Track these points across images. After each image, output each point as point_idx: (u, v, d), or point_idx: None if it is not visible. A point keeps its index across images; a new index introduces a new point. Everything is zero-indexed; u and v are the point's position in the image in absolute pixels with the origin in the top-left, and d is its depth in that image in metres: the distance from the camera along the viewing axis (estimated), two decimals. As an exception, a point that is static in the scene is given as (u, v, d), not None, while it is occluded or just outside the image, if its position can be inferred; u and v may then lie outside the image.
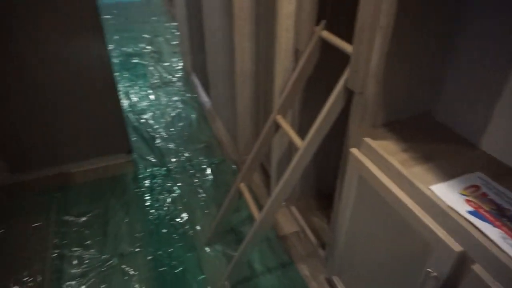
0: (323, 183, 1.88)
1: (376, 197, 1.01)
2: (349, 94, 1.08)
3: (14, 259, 1.63)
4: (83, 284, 1.55)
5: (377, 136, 1.06)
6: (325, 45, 1.23)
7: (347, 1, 1.26)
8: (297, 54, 1.37)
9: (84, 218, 1.86)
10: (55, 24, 1.66)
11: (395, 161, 0.94)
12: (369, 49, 0.93)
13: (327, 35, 1.18)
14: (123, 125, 2.06)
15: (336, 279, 1.41)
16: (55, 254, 1.67)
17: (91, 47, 1.76)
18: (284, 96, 1.35)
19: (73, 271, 1.61)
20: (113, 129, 2.06)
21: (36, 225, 1.79)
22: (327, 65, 1.30)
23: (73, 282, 1.56)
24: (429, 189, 0.86)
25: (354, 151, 1.09)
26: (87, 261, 1.65)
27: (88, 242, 1.74)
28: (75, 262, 1.64)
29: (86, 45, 1.75)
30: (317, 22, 1.24)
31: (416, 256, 0.89)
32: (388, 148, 1.02)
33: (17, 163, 1.97)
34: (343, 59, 1.07)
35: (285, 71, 1.40)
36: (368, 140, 1.03)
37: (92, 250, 1.70)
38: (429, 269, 0.83)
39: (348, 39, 1.06)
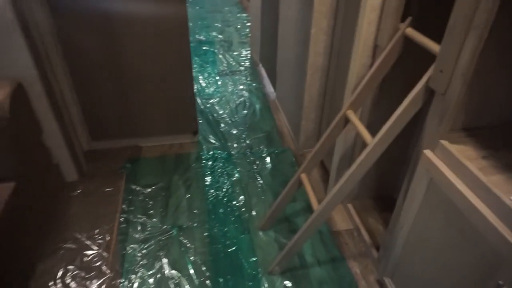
0: (382, 184, 1.84)
1: (446, 202, 0.98)
2: (429, 94, 1.05)
3: (88, 217, 1.80)
4: (144, 249, 1.67)
5: (455, 140, 1.02)
6: (407, 42, 1.20)
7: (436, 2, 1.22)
8: (375, 50, 1.35)
9: (149, 189, 1.99)
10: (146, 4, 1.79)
11: (474, 167, 0.90)
12: (459, 49, 0.89)
13: (412, 32, 1.15)
14: (193, 107, 2.18)
15: (388, 281, 1.39)
16: (122, 218, 1.82)
17: (175, 31, 1.88)
18: (357, 92, 1.34)
19: (136, 235, 1.74)
20: (184, 110, 2.18)
21: (108, 190, 1.96)
22: (405, 62, 1.27)
23: (136, 246, 1.69)
24: (510, 199, 0.81)
25: (428, 152, 1.06)
26: (149, 228, 1.77)
27: (151, 211, 1.87)
28: (138, 228, 1.78)
29: (170, 29, 1.87)
30: (403, 19, 1.21)
31: (486, 267, 0.86)
32: (467, 153, 0.98)
33: (97, 132, 2.16)
34: (423, 57, 1.04)
35: (361, 66, 1.39)
36: (445, 143, 1.00)
37: (154, 219, 1.82)
38: (500, 282, 0.79)
39: (433, 36, 1.03)
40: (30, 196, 1.53)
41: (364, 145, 1.25)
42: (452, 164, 0.97)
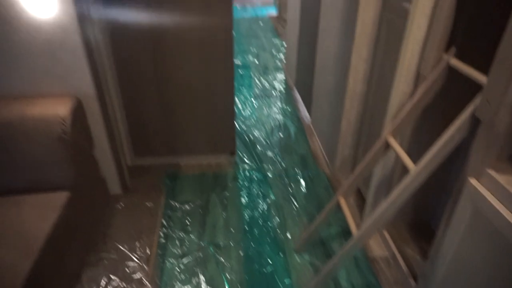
0: (419, 210, 1.82)
1: (493, 233, 0.98)
2: (475, 123, 1.07)
3: (130, 229, 1.88)
4: (182, 264, 1.72)
5: (502, 169, 1.02)
6: (451, 71, 1.23)
7: (480, 29, 1.24)
8: (418, 78, 1.38)
9: (187, 206, 2.06)
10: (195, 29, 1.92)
11: (523, 198, 0.90)
12: (508, 80, 0.92)
13: (456, 63, 1.18)
14: (232, 128, 2.26)
15: (428, 313, 1.36)
16: (162, 233, 1.88)
17: (220, 52, 1.99)
18: (398, 119, 1.36)
19: (175, 250, 1.79)
20: (223, 131, 2.27)
21: (149, 205, 2.04)
22: (448, 91, 1.29)
23: (174, 260, 1.74)
24: None
25: (473, 181, 1.06)
26: (187, 244, 1.83)
27: (189, 228, 1.92)
28: (177, 243, 1.83)
29: (216, 51, 1.98)
30: (447, 48, 1.24)
31: (538, 300, 0.84)
32: (515, 184, 0.98)
33: (141, 148, 2.28)
34: (466, 86, 1.06)
35: (403, 94, 1.42)
36: (491, 172, 1.00)
37: (192, 236, 1.88)
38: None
39: (477, 66, 1.05)
40: (80, 206, 1.63)
41: (404, 171, 1.27)
42: (500, 194, 0.97)
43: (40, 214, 1.39)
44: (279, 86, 3.62)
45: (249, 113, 3.07)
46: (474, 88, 1.04)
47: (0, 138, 1.46)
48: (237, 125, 2.86)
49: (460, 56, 1.21)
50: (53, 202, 1.46)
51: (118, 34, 1.87)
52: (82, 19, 1.54)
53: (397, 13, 1.54)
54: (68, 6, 1.46)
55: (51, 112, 1.49)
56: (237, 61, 4.22)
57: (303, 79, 3.11)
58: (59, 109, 1.50)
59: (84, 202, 1.69)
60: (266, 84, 3.64)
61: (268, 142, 2.67)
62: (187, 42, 1.94)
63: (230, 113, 2.20)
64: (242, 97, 3.35)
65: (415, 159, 1.20)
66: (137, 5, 1.82)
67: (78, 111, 1.62)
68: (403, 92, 1.41)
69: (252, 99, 3.33)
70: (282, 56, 4.39)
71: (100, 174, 1.93)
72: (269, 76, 3.83)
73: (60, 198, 1.48)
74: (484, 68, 0.98)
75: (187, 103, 2.14)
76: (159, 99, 2.11)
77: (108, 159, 1.90)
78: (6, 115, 1.47)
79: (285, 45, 4.23)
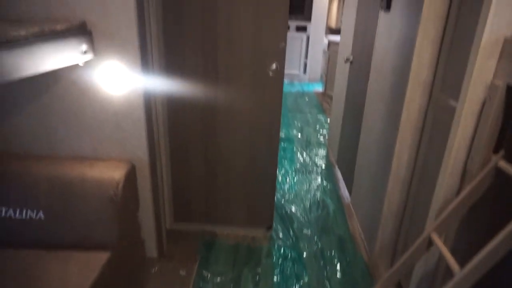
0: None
1: None
2: (528, 231, 1.02)
3: (160, 296, 1.88)
4: None
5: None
6: (499, 173, 1.21)
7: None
8: (464, 174, 1.36)
9: (219, 278, 2.03)
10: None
11: None
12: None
13: (505, 166, 1.16)
14: (272, 204, 2.28)
15: None
16: (190, 304, 1.86)
17: (268, 126, 2.10)
18: (443, 216, 1.33)
19: (201, 324, 1.75)
20: (262, 205, 2.29)
21: (182, 272, 2.04)
22: (497, 191, 1.25)
23: (199, 336, 1.69)
24: None
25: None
26: (214, 319, 1.78)
27: (218, 302, 1.88)
28: (205, 316, 1.79)
29: (264, 123, 2.09)
30: (495, 149, 1.23)
31: None
32: None
33: (181, 214, 2.35)
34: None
35: (448, 188, 1.39)
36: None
37: (220, 311, 1.83)
38: None
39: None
40: (119, 266, 1.67)
41: (448, 272, 1.20)
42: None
43: (82, 272, 1.45)
44: (321, 162, 3.65)
45: (289, 188, 3.09)
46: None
47: (60, 194, 1.59)
48: (275, 198, 2.88)
49: (510, 159, 1.19)
50: (94, 261, 1.52)
51: (174, 104, 2.05)
52: (147, 95, 1.72)
53: (443, 109, 1.58)
54: (137, 85, 1.65)
55: (108, 175, 1.62)
56: (281, 134, 4.36)
57: (345, 157, 3.13)
58: (115, 173, 1.63)
59: (122, 263, 1.74)
60: (308, 159, 3.69)
61: (306, 219, 2.64)
62: (237, 115, 2.08)
63: (271, 188, 2.25)
64: (283, 170, 3.41)
65: (460, 259, 1.14)
66: (195, 79, 2.01)
67: (131, 175, 1.73)
68: (449, 187, 1.39)
69: (293, 173, 3.37)
70: (325, 132, 4.49)
71: (141, 236, 1.99)
72: (312, 151, 3.89)
73: (101, 257, 1.54)
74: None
75: (230, 173, 2.23)
76: (204, 167, 2.21)
77: (150, 222, 1.98)
78: (69, 174, 1.62)
79: (329, 122, 4.34)
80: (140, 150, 1.78)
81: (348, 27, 3.23)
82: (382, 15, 2.18)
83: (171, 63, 1.96)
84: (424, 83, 1.67)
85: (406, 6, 1.79)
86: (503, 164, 1.18)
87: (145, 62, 1.68)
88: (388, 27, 2.08)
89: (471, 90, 1.24)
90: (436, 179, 1.46)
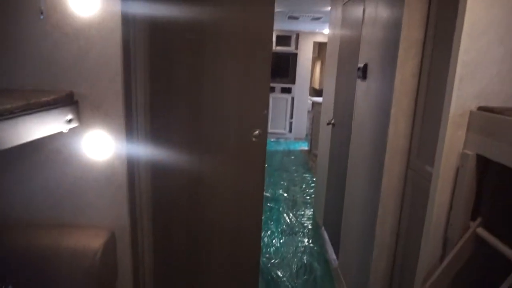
0: None
1: None
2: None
3: None
4: None
5: None
6: (479, 240, 1.22)
7: (505, 202, 1.27)
8: (445, 242, 1.36)
9: None
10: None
11: None
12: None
13: (483, 233, 1.18)
14: (256, 272, 2.21)
15: None
16: None
17: (252, 195, 2.09)
18: (428, 285, 1.31)
19: None
20: (247, 273, 2.21)
21: None
22: (479, 258, 1.25)
23: None
24: None
25: None
26: None
27: None
28: None
29: (247, 192, 2.09)
30: (474, 217, 1.25)
31: None
32: None
33: (162, 285, 2.24)
34: (498, 256, 1.04)
35: (431, 256, 1.38)
36: None
37: None
38: None
39: (507, 237, 1.05)
40: None
41: None
42: None
43: None
44: (307, 223, 3.61)
45: (275, 250, 3.01)
46: (504, 259, 1.01)
47: (33, 266, 1.51)
48: (261, 262, 2.79)
49: (487, 226, 1.21)
50: None
51: (158, 172, 2.05)
52: (131, 162, 1.73)
53: (420, 175, 1.62)
54: (121, 152, 1.66)
55: (85, 245, 1.56)
56: (267, 194, 4.35)
57: (331, 218, 3.11)
58: (93, 242, 1.58)
59: None
60: (294, 220, 3.65)
61: (293, 285, 2.54)
62: (221, 181, 2.08)
63: (255, 259, 2.19)
64: (269, 232, 3.35)
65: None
66: (180, 147, 2.03)
67: (110, 244, 1.68)
68: (432, 254, 1.38)
69: (279, 234, 3.31)
70: (311, 191, 4.49)
71: (117, 308, 1.87)
72: (298, 212, 3.86)
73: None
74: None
75: (214, 242, 2.17)
76: (187, 235, 2.16)
77: (128, 293, 1.88)
78: (44, 244, 1.56)
79: (315, 181, 4.36)
80: (121, 218, 1.74)
81: (329, 91, 3.39)
82: (359, 83, 2.31)
83: (157, 131, 2.00)
84: (401, 151, 1.73)
85: (381, 78, 1.91)
86: (481, 231, 1.20)
87: (130, 131, 1.71)
88: (365, 95, 2.20)
89: (444, 159, 1.29)
90: (420, 245, 1.45)
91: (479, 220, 1.23)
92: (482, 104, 1.24)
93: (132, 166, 1.75)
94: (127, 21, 1.62)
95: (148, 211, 2.06)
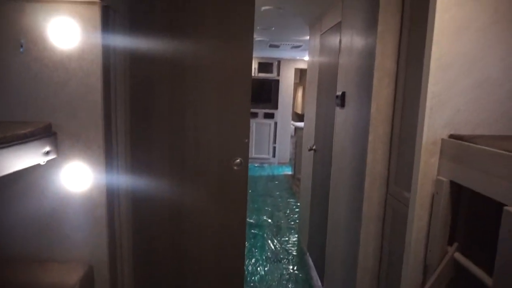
0: None
1: None
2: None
3: None
4: None
5: None
6: (457, 265, 1.24)
7: (479, 227, 1.31)
8: (426, 267, 1.38)
9: None
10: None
11: None
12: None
13: (460, 258, 1.20)
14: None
15: None
16: None
17: (234, 224, 2.08)
18: (411, 311, 1.31)
19: None
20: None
21: None
22: (458, 285, 1.27)
23: None
24: None
25: None
26: None
27: None
28: None
29: (230, 219, 2.08)
30: (451, 242, 1.28)
31: None
32: None
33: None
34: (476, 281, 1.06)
35: (412, 281, 1.39)
36: None
37: None
38: None
39: (483, 262, 1.07)
40: None
41: None
42: None
43: None
44: (292, 249, 3.58)
45: (260, 279, 2.96)
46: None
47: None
48: (246, 292, 2.74)
49: (464, 251, 1.23)
50: None
51: (139, 202, 2.03)
52: (110, 193, 1.71)
53: (399, 200, 1.65)
54: (100, 181, 1.64)
55: (61, 280, 1.51)
56: (251, 220, 4.32)
57: (316, 243, 3.10)
58: (69, 277, 1.53)
59: None
60: (279, 246, 3.62)
61: (278, 315, 2.49)
62: (204, 210, 2.07)
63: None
64: (253, 260, 3.30)
65: None
66: (162, 177, 2.02)
67: (88, 279, 1.63)
68: (412, 281, 1.39)
69: (264, 262, 3.26)
70: (296, 216, 4.48)
71: None
72: (282, 238, 3.83)
73: None
74: (489, 265, 1.00)
75: (197, 274, 2.13)
76: (170, 269, 2.12)
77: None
78: (20, 279, 1.51)
79: (299, 207, 4.36)
80: (99, 251, 1.70)
81: (310, 118, 3.46)
82: (338, 110, 2.37)
83: (138, 161, 1.99)
84: (380, 177, 1.77)
85: (358, 106, 1.97)
86: (458, 255, 1.22)
87: (110, 161, 1.69)
88: (344, 122, 2.25)
89: (420, 186, 1.32)
90: (402, 269, 1.46)
91: (455, 245, 1.25)
92: (453, 132, 1.29)
93: (112, 197, 1.72)
94: (107, 52, 1.64)
95: (128, 243, 2.02)
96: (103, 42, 1.58)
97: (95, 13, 1.53)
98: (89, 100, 1.59)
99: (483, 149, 1.09)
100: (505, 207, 0.95)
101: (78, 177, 1.63)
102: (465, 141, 1.19)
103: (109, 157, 1.67)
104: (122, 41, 1.82)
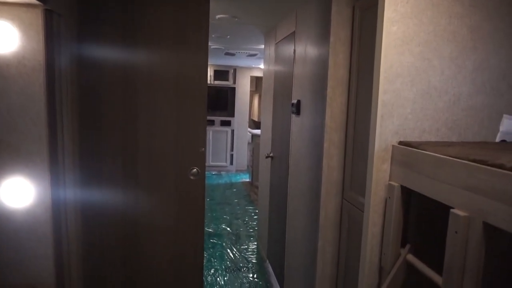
0: None
1: None
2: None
3: None
4: None
5: None
6: (411, 268, 1.29)
7: (431, 229, 1.37)
8: (381, 270, 1.42)
9: None
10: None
11: None
12: (459, 285, 0.97)
13: (412, 259, 1.25)
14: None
15: None
16: None
17: (191, 228, 2.02)
18: (368, 314, 1.34)
19: None
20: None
21: None
22: (413, 284, 1.32)
23: None
24: None
25: None
26: None
27: None
28: None
29: (190, 230, 2.02)
30: (403, 244, 1.33)
31: None
32: None
33: None
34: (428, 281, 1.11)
35: (368, 285, 1.43)
36: None
37: None
38: None
39: (434, 262, 1.12)
40: None
41: None
42: None
43: None
44: (252, 257, 3.57)
45: (219, 289, 2.91)
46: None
47: None
48: (205, 305, 2.68)
49: (416, 251, 1.29)
50: None
51: (90, 217, 1.92)
52: (56, 208, 1.59)
53: (355, 205, 1.70)
54: (45, 197, 1.53)
55: (0, 308, 1.38)
56: (210, 229, 4.25)
57: (275, 250, 3.10)
58: (10, 304, 1.40)
59: None
60: (238, 255, 3.59)
61: (239, 326, 2.46)
62: (159, 223, 2.00)
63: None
64: (212, 270, 3.24)
65: None
66: (114, 189, 1.93)
67: (31, 304, 1.50)
68: (369, 284, 1.43)
69: (223, 272, 3.21)
70: (255, 224, 4.48)
71: None
72: (242, 246, 3.81)
73: None
74: (439, 264, 1.05)
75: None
76: (123, 284, 2.01)
77: None
78: None
79: (258, 214, 4.36)
80: (45, 273, 1.57)
81: (267, 125, 3.48)
82: (294, 118, 2.41)
83: (88, 175, 1.88)
84: (335, 183, 1.81)
85: (313, 114, 2.01)
86: (410, 257, 1.27)
87: (56, 175, 1.58)
88: (300, 129, 2.29)
89: (373, 191, 1.36)
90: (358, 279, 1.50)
91: (408, 247, 1.30)
92: (402, 139, 1.35)
93: (58, 214, 1.60)
94: (52, 59, 1.55)
95: (78, 262, 1.89)
96: (47, 48, 1.49)
97: (37, 17, 1.43)
98: (31, 111, 1.48)
99: (429, 154, 1.14)
100: (452, 210, 1.00)
101: (19, 194, 1.50)
102: (413, 147, 1.25)
103: (54, 171, 1.56)
104: (69, 48, 1.72)
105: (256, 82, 9.12)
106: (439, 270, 1.10)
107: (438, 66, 1.35)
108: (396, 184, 1.31)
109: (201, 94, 1.95)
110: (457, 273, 0.97)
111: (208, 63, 2.01)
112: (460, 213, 0.97)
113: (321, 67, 1.86)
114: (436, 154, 1.12)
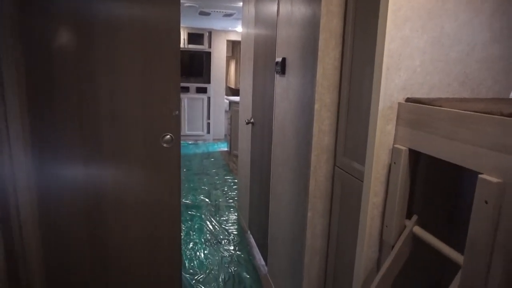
0: None
1: None
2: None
3: None
4: None
5: None
6: (416, 240, 1.15)
7: (439, 197, 1.23)
8: (382, 243, 1.28)
9: None
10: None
11: None
12: (486, 264, 0.82)
13: (421, 232, 1.10)
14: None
15: None
16: None
17: (166, 200, 1.82)
18: (369, 292, 1.20)
19: None
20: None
21: None
22: (417, 259, 1.18)
23: None
24: None
25: None
26: None
27: None
28: None
29: (165, 201, 1.82)
30: (408, 215, 1.18)
31: None
32: None
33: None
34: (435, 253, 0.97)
35: (368, 260, 1.29)
36: None
37: None
38: None
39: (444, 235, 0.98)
40: None
41: None
42: None
43: None
44: (232, 228, 3.43)
45: (199, 264, 2.77)
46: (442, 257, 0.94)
47: None
48: (184, 280, 2.52)
49: (423, 223, 1.14)
50: None
51: (47, 195, 1.67)
52: (2, 192, 1.34)
53: (349, 172, 1.53)
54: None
55: None
56: (188, 201, 4.07)
57: (257, 221, 2.97)
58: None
59: None
60: (218, 227, 3.44)
61: (221, 301, 2.33)
62: (130, 197, 1.78)
63: (176, 276, 1.93)
64: (191, 243, 3.08)
65: None
66: (73, 163, 1.68)
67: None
68: (368, 259, 1.29)
69: (203, 245, 3.06)
70: (234, 194, 4.32)
71: None
72: (221, 218, 3.66)
73: None
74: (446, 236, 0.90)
75: (126, 266, 1.86)
76: (92, 266, 1.80)
77: None
78: None
79: (237, 184, 4.20)
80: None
81: (246, 90, 3.25)
82: (278, 78, 2.18)
83: (40, 149, 1.61)
84: (327, 149, 1.63)
85: (302, 72, 1.80)
86: (417, 230, 1.13)
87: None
88: (285, 91, 2.07)
89: (375, 156, 1.19)
90: (354, 248, 1.35)
91: (414, 218, 1.15)
92: (409, 95, 1.17)
93: (4, 197, 1.35)
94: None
95: (36, 252, 1.65)
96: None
97: None
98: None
99: (448, 111, 0.96)
100: (480, 175, 0.83)
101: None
102: (425, 104, 1.07)
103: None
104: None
105: (233, 47, 8.73)
106: (450, 245, 0.96)
107: (452, 9, 1.15)
108: (403, 148, 1.13)
109: (173, 51, 1.68)
110: (484, 251, 0.82)
111: (181, 24, 1.73)
112: (492, 179, 0.81)
113: (311, 19, 1.63)
114: (457, 110, 0.94)
